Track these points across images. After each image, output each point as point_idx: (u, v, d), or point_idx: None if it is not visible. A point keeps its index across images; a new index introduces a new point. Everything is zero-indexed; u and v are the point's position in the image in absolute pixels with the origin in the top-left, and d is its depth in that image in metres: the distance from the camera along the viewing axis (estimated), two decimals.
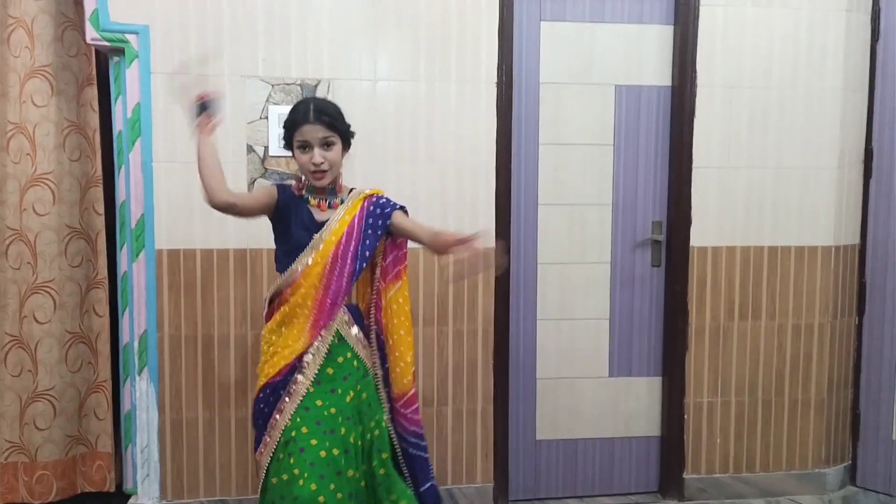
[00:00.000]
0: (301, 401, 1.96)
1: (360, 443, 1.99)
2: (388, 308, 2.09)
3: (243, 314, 2.75)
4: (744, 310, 3.04)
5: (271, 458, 1.97)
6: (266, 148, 2.73)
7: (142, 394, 2.77)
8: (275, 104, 2.72)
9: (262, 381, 2.05)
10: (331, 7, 2.76)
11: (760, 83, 2.99)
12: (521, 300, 3.02)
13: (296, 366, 2.00)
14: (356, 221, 2.04)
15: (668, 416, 3.09)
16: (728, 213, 3.00)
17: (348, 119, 2.03)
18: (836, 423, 3.17)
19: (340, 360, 2.02)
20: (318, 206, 2.04)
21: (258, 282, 2.75)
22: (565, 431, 3.07)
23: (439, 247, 1.91)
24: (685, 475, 3.08)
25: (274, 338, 2.05)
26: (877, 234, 3.11)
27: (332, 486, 1.84)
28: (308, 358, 2.00)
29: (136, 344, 2.75)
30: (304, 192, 2.06)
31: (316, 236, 2.01)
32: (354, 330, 2.08)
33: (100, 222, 2.85)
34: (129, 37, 2.64)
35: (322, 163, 1.98)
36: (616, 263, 3.05)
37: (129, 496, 2.83)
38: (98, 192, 2.86)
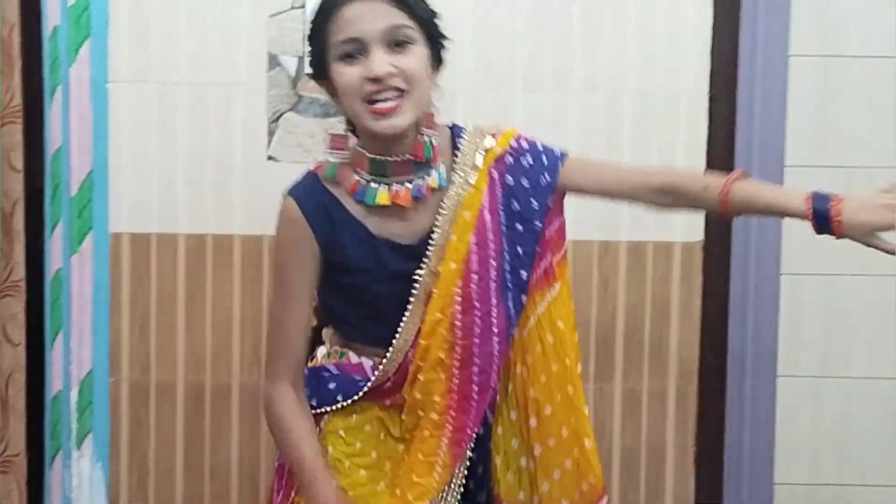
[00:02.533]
0: None
1: None
2: (530, 340, 1.45)
3: (255, 345, 2.23)
4: None
5: None
6: (300, 59, 2.18)
7: (82, 480, 2.25)
8: None
9: None
10: None
11: None
12: (749, 339, 2.35)
13: None
14: (489, 210, 1.39)
15: None
16: None
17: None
18: None
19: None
20: (397, 196, 1.34)
21: None
22: None
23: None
24: None
25: (348, 462, 1.44)
26: None
27: None
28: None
29: (73, 394, 2.24)
30: (358, 177, 1.33)
31: (420, 272, 1.39)
32: None
33: (17, 185, 2.21)
34: None
35: (392, 72, 1.26)
36: None
37: None
38: (14, 133, 2.19)
